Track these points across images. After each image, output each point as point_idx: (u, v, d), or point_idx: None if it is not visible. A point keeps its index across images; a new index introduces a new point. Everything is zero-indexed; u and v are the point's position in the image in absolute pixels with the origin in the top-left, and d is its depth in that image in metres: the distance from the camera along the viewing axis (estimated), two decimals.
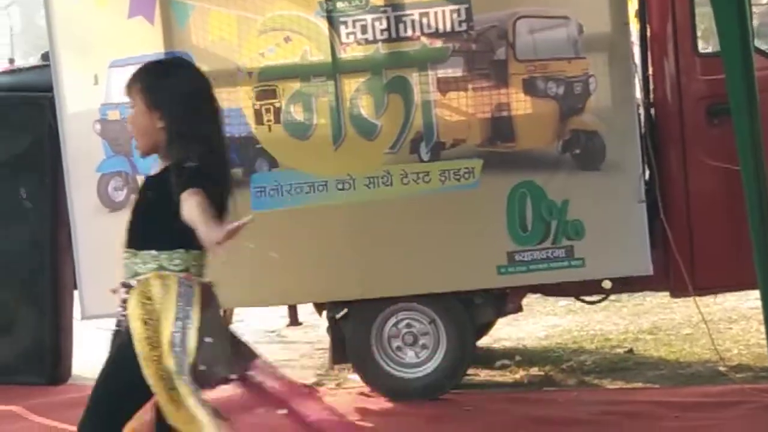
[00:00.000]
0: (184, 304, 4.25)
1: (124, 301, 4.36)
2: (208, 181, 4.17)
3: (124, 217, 6.56)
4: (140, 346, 4.23)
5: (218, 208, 4.19)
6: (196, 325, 4.22)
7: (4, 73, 9.61)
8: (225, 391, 4.48)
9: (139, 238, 4.38)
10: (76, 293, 7.15)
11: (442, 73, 6.54)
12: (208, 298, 4.32)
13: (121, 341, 4.35)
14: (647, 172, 6.56)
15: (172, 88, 4.36)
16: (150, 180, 4.47)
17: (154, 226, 4.35)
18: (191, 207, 4.08)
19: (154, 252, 4.31)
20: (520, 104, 6.49)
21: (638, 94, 6.67)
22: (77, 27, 6.82)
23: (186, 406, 4.19)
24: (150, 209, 4.39)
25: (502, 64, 6.50)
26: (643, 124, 6.62)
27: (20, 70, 9.04)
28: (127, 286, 4.36)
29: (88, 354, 7.85)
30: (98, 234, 6.78)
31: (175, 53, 6.67)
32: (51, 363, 7.47)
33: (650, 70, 6.70)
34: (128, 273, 4.37)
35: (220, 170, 4.34)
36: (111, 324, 7.41)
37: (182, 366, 4.17)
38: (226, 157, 4.49)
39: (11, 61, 13.27)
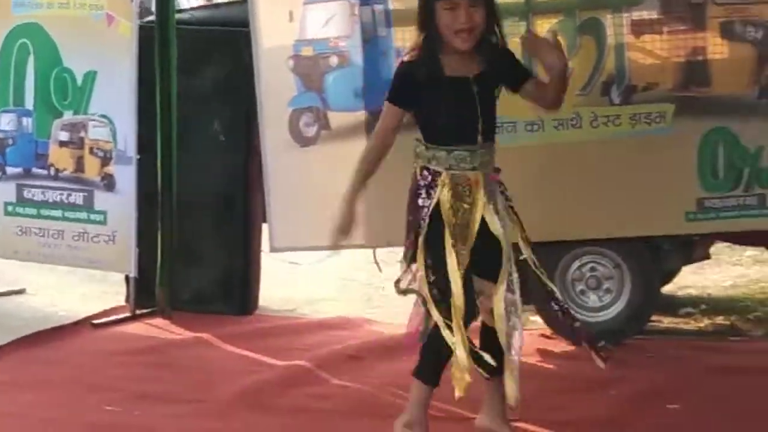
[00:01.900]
0: None
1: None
2: None
3: (315, 152, 6.82)
4: None
5: None
6: None
7: (202, 7, 9.84)
8: None
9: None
10: (264, 226, 7.31)
11: (637, 15, 6.43)
12: None
13: None
14: None
15: None
16: None
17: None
18: None
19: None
20: (717, 48, 6.35)
21: None
22: None
23: None
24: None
25: (700, 7, 6.36)
26: None
27: (217, 6, 9.24)
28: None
29: (273, 287, 8.06)
30: (288, 169, 6.91)
31: None
32: (240, 294, 7.65)
33: None
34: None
35: None
36: (296, 257, 7.67)
37: None
38: None
39: None
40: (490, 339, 5.01)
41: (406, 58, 5.08)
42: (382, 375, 6.25)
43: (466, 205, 4.94)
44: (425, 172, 4.99)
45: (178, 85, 7.33)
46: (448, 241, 4.90)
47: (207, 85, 7.51)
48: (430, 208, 4.94)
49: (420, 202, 4.99)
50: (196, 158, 7.49)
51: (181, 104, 7.35)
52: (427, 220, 4.95)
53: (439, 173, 4.95)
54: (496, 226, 4.98)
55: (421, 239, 4.96)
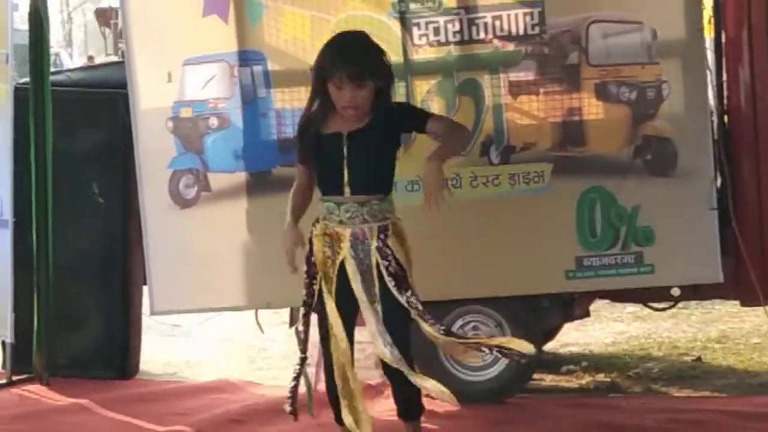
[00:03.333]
0: None
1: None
2: None
3: (195, 214, 6.77)
4: None
5: None
6: None
7: (81, 69, 9.75)
8: None
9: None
10: (145, 289, 7.22)
11: (514, 76, 6.52)
12: None
13: None
14: (719, 180, 6.50)
15: None
16: None
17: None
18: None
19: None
20: (592, 109, 6.46)
21: (712, 100, 6.61)
22: (151, 24, 6.87)
23: None
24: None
25: (575, 69, 6.47)
26: (716, 131, 6.56)
27: (95, 67, 9.17)
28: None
29: (154, 350, 7.96)
30: (169, 230, 6.85)
31: (248, 52, 6.72)
32: (120, 357, 7.54)
33: (725, 77, 6.64)
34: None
35: None
36: (177, 320, 7.58)
37: None
38: None
39: (90, 58, 13.40)
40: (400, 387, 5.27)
41: (299, 121, 5.38)
42: None
43: (331, 256, 5.20)
44: (316, 223, 5.26)
45: (55, 147, 7.23)
46: (324, 287, 5.16)
47: (85, 147, 7.43)
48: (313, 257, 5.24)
49: (307, 252, 5.26)
50: (75, 221, 7.40)
51: (58, 166, 7.25)
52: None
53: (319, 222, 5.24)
54: (355, 282, 5.14)
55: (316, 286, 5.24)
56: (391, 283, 5.11)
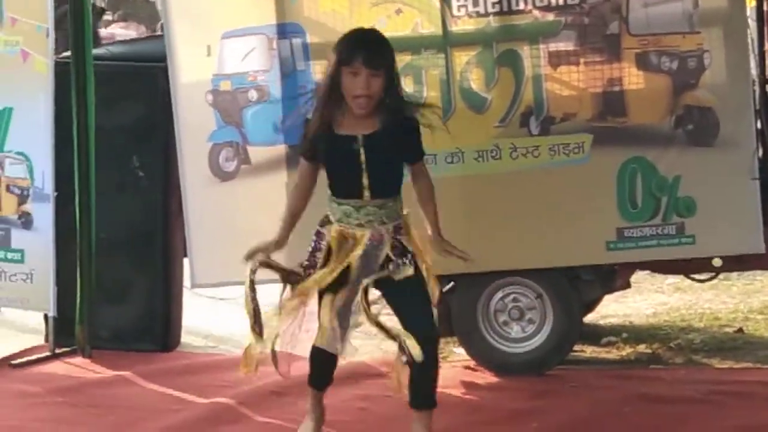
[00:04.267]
0: None
1: None
2: None
3: (235, 187, 6.79)
4: None
5: None
6: None
7: (120, 42, 9.78)
8: None
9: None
10: (186, 262, 7.25)
11: (554, 46, 6.49)
12: None
13: None
14: (761, 150, 6.45)
15: None
16: None
17: None
18: None
19: None
20: (633, 79, 6.42)
21: (754, 70, 6.56)
22: None
23: None
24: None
25: (615, 39, 6.43)
26: (757, 101, 6.52)
27: (135, 41, 9.19)
28: None
29: (195, 323, 7.99)
30: (209, 204, 6.88)
31: (287, 25, 6.72)
32: (161, 330, 7.57)
33: (766, 46, 6.59)
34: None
35: None
36: (219, 293, 7.62)
37: None
38: None
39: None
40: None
41: (308, 115, 5.39)
42: (304, 410, 6.19)
43: (342, 258, 5.22)
44: (324, 218, 5.30)
45: (96, 121, 7.26)
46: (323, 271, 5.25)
47: (125, 120, 7.46)
48: (321, 256, 5.28)
49: (312, 245, 5.31)
50: (116, 195, 7.44)
51: (98, 140, 7.28)
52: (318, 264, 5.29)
53: (332, 223, 5.26)
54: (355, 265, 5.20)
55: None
56: (399, 265, 5.19)
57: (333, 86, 5.16)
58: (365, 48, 5.11)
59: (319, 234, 5.28)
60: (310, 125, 5.29)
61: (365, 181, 5.15)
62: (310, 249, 5.32)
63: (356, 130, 5.17)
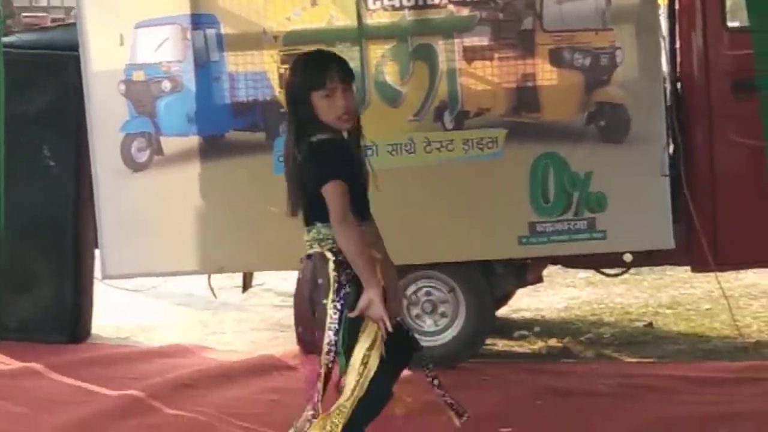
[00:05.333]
0: None
1: None
2: None
3: (147, 178, 6.73)
4: None
5: None
6: None
7: (31, 30, 9.63)
8: None
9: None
10: (97, 253, 7.18)
11: (468, 41, 6.52)
12: None
13: None
14: (671, 146, 6.53)
15: None
16: None
17: None
18: None
19: None
20: (546, 75, 6.47)
21: (665, 67, 6.63)
22: None
23: None
24: None
25: (529, 34, 6.47)
26: (668, 98, 6.59)
27: (46, 29, 9.07)
28: None
29: (106, 314, 7.92)
30: (121, 194, 6.81)
31: (201, 15, 6.67)
32: (71, 321, 7.51)
33: (677, 44, 6.66)
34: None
35: None
36: (129, 284, 7.54)
37: None
38: None
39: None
40: None
41: (320, 138, 4.40)
42: (216, 403, 6.17)
43: None
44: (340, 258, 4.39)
45: (6, 109, 7.12)
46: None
47: (35, 109, 7.36)
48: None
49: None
50: (25, 183, 7.33)
51: (8, 129, 7.14)
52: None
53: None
54: None
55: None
56: None
57: (301, 110, 4.44)
58: (334, 66, 4.51)
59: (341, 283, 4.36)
60: (344, 143, 4.49)
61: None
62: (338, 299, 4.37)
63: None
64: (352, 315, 4.29)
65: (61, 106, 7.30)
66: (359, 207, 4.46)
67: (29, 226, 7.36)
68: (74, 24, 6.95)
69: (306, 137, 4.40)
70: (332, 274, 4.33)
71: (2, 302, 7.27)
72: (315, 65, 4.55)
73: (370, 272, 4.30)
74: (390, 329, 4.28)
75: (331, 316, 4.31)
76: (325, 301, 4.33)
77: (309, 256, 4.44)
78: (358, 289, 4.31)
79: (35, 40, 7.86)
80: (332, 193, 4.32)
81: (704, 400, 6.01)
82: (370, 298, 4.26)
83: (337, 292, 4.32)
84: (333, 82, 4.44)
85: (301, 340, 4.50)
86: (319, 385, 4.33)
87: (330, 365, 4.33)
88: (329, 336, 4.29)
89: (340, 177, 4.33)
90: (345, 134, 4.49)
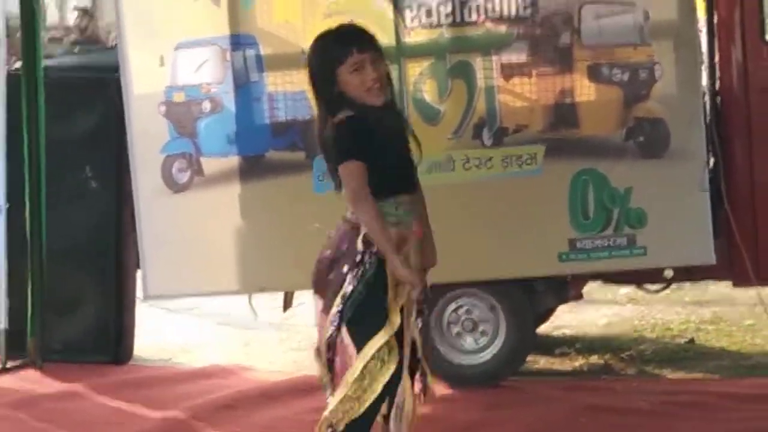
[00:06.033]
0: None
1: None
2: None
3: (188, 198, 6.77)
4: None
5: None
6: None
7: (73, 53, 9.72)
8: None
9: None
10: (139, 273, 7.22)
11: (506, 58, 6.51)
12: None
13: None
14: (712, 161, 6.50)
15: None
16: None
17: None
18: None
19: None
20: (584, 90, 6.45)
21: (704, 81, 6.61)
22: (144, 8, 6.87)
23: None
24: None
25: (567, 50, 6.46)
26: (708, 112, 6.56)
27: (88, 50, 9.15)
28: None
29: (148, 335, 7.96)
30: (162, 215, 6.85)
31: (240, 36, 6.72)
32: (114, 342, 7.54)
33: (717, 58, 6.64)
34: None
35: None
36: (170, 304, 7.57)
37: None
38: None
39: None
40: None
41: (341, 117, 4.42)
42: (258, 424, 6.19)
43: None
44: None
45: (48, 131, 7.23)
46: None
47: (77, 131, 7.43)
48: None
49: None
50: (68, 206, 7.40)
51: (50, 151, 7.25)
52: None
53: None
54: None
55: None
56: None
57: (328, 89, 4.45)
58: (359, 38, 4.50)
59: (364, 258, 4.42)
60: (361, 122, 4.44)
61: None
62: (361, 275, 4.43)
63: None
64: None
65: (102, 128, 7.37)
66: (398, 180, 4.49)
67: (72, 248, 7.42)
68: (115, 47, 7.00)
69: (332, 115, 4.44)
70: (360, 246, 4.39)
71: (45, 324, 7.33)
72: (337, 39, 4.53)
73: (389, 250, 4.36)
74: (418, 294, 4.46)
75: (345, 286, 4.37)
76: (344, 270, 4.39)
77: (346, 220, 4.50)
78: (380, 271, 4.38)
79: (76, 63, 7.95)
80: (345, 174, 4.38)
81: (746, 416, 5.96)
82: (393, 267, 4.36)
83: (357, 266, 4.38)
84: (360, 53, 4.43)
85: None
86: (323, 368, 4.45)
87: (331, 340, 4.39)
88: (338, 304, 4.36)
89: (355, 157, 4.36)
90: (380, 105, 4.44)
